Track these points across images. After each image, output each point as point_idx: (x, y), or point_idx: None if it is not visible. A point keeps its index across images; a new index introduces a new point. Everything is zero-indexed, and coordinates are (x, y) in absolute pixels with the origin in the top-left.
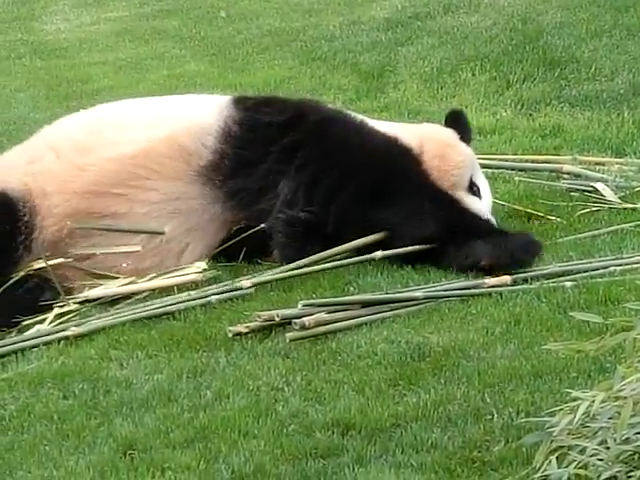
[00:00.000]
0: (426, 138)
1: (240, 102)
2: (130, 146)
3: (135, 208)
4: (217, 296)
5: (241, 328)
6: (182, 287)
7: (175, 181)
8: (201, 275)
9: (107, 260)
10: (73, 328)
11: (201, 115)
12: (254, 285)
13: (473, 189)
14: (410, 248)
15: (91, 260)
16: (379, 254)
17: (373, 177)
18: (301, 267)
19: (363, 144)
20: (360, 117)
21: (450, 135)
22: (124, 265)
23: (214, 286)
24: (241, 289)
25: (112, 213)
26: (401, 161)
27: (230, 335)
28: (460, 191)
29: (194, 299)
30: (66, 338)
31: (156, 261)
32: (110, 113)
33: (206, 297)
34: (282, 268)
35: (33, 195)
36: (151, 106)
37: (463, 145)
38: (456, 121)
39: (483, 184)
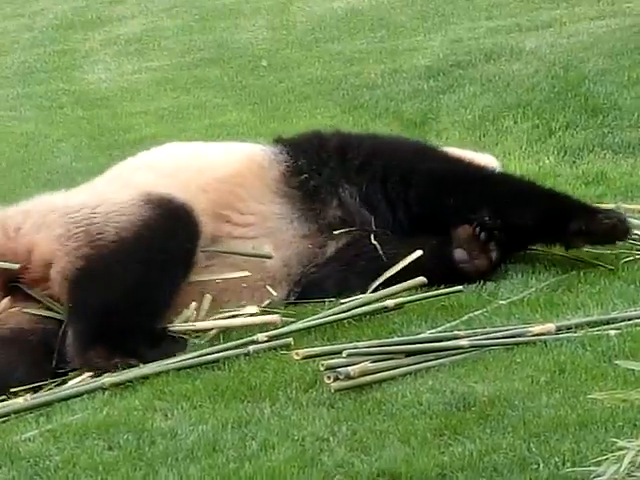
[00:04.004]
0: None
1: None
2: (225, 169)
3: (235, 231)
4: (255, 345)
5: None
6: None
7: (262, 201)
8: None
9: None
10: (115, 378)
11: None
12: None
13: None
14: (423, 294)
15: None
16: (390, 303)
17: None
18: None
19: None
20: None
21: None
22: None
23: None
24: (257, 342)
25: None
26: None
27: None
28: None
29: (235, 348)
30: (109, 388)
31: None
32: (185, 148)
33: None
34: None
35: None
36: (211, 145)
37: None
38: None
39: None
